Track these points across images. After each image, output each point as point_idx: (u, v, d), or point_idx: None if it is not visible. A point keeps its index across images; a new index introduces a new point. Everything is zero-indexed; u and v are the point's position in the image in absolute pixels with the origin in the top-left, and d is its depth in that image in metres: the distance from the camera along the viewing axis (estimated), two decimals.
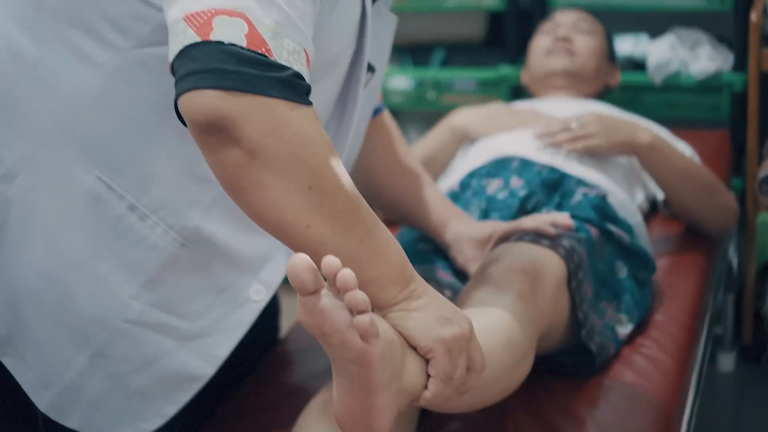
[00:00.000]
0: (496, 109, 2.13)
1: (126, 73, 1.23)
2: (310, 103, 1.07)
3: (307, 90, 1.07)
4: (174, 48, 1.05)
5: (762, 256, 2.60)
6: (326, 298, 1.00)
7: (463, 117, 2.11)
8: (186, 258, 1.31)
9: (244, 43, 1.03)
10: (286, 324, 1.86)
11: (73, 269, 1.28)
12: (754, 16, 2.29)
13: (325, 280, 1.00)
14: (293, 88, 1.05)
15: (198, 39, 1.03)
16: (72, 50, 1.23)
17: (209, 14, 1.04)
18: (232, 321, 1.36)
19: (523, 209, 1.76)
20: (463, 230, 1.65)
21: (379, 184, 1.67)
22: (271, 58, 1.04)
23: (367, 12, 1.27)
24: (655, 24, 2.64)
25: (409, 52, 2.87)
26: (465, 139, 2.10)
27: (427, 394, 1.12)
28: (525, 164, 1.87)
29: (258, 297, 1.37)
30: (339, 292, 1.00)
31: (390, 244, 1.14)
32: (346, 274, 0.99)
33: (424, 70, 2.80)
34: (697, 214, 2.03)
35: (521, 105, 2.19)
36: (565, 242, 1.55)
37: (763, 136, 2.53)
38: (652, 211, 2.13)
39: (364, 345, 1.01)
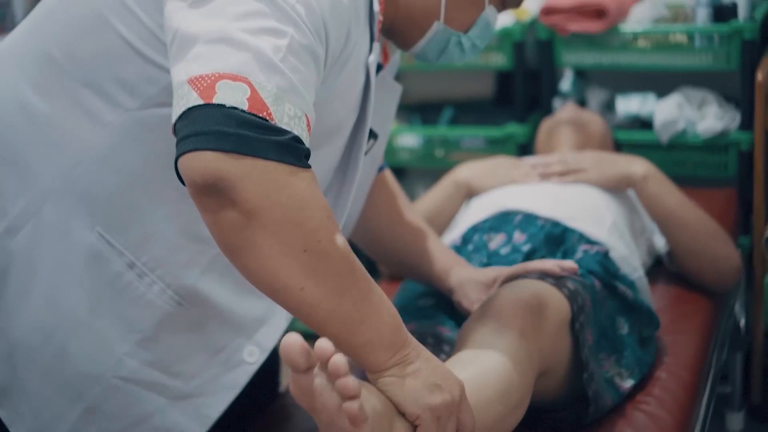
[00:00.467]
0: (500, 162, 2.15)
1: (132, 133, 1.25)
2: (308, 167, 1.09)
3: (307, 154, 1.09)
4: (177, 109, 1.08)
5: None
6: (318, 378, 1.05)
7: (467, 171, 2.13)
8: (182, 317, 1.32)
9: (245, 107, 1.05)
10: (286, 377, 1.85)
11: (70, 325, 1.29)
12: (760, 76, 2.30)
13: None
14: (292, 151, 1.07)
15: (201, 101, 1.05)
16: (81, 109, 1.26)
17: (213, 78, 1.06)
18: (226, 382, 1.36)
19: None
20: (467, 274, 1.66)
21: (383, 240, 1.70)
22: (272, 122, 1.06)
23: (371, 81, 1.30)
24: (662, 83, 2.65)
25: (418, 110, 2.90)
26: (469, 193, 2.12)
27: None
28: (528, 218, 1.87)
29: (252, 359, 1.38)
30: (330, 375, 1.03)
31: (383, 309, 1.15)
32: (338, 361, 1.02)
33: (433, 129, 2.82)
34: (693, 259, 2.02)
35: (527, 159, 2.21)
36: (570, 284, 1.55)
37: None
38: (656, 266, 2.13)
39: (352, 428, 1.04)
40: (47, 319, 1.29)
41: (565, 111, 2.33)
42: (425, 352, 1.18)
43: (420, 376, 1.15)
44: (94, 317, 1.29)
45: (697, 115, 2.53)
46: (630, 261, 1.85)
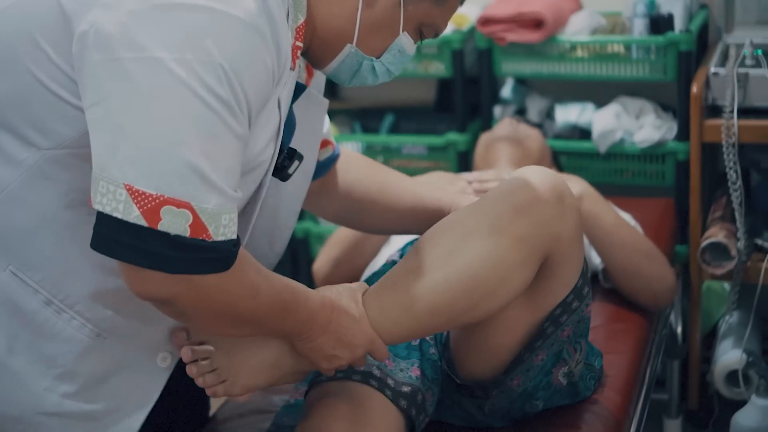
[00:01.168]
0: (436, 178, 2.14)
1: (44, 172, 1.24)
2: (225, 268, 1.21)
3: (235, 253, 1.21)
4: (107, 206, 1.14)
5: (708, 322, 2.62)
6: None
7: None
8: (101, 347, 1.32)
9: (188, 234, 1.15)
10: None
11: None
12: (695, 88, 2.32)
13: None
14: (223, 262, 1.20)
15: (145, 224, 1.14)
16: None
17: (158, 201, 1.13)
18: (143, 392, 1.38)
19: None
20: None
21: (379, 201, 1.71)
22: (209, 241, 1.17)
23: (282, 119, 1.31)
24: (602, 92, 2.67)
25: (359, 116, 2.89)
26: None
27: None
28: None
29: (164, 364, 1.40)
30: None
31: (298, 310, 1.35)
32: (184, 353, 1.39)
33: (374, 136, 2.81)
34: (628, 279, 2.04)
35: (464, 175, 2.21)
36: None
37: (707, 204, 2.57)
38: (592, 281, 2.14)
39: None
40: None
41: (502, 127, 2.33)
42: (331, 326, 1.39)
43: (318, 350, 1.41)
44: (10, 357, 1.28)
45: (635, 124, 2.55)
46: None
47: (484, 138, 2.37)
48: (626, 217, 2.18)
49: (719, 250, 2.34)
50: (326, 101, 1.50)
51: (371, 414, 1.47)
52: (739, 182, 2.29)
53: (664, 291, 2.06)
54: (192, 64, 1.12)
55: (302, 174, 1.47)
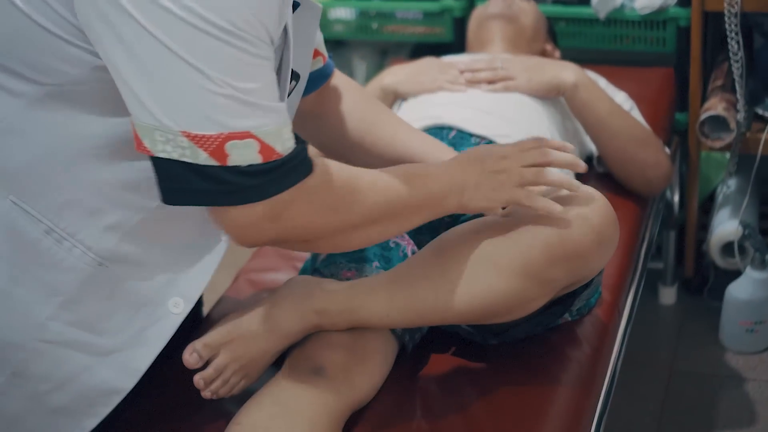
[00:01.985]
0: (426, 66, 2.08)
1: (45, 105, 1.21)
2: (306, 171, 1.21)
3: (309, 161, 1.22)
4: (175, 153, 1.14)
5: (706, 187, 2.60)
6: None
7: (392, 76, 2.08)
8: (104, 276, 1.30)
9: (260, 160, 1.16)
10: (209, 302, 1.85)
11: None
12: None
13: None
14: (295, 169, 1.20)
15: (216, 163, 1.15)
16: None
17: (220, 139, 1.14)
18: (152, 334, 1.36)
19: None
20: None
21: (356, 152, 1.66)
22: (281, 158, 1.18)
23: (290, 39, 1.27)
24: None
25: None
26: (396, 98, 2.07)
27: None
28: (461, 135, 1.83)
29: (177, 310, 1.38)
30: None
31: (428, 184, 1.35)
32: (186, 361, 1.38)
33: (367, 1, 2.73)
34: (623, 166, 2.02)
35: (454, 59, 2.15)
36: None
37: (709, 69, 2.51)
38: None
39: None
40: None
41: (495, 3, 2.25)
42: (459, 167, 1.38)
43: (482, 184, 1.38)
44: (13, 286, 1.27)
45: None
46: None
47: (477, 14, 2.29)
48: (621, 96, 2.14)
49: (718, 123, 2.30)
50: (320, 6, 1.42)
51: (367, 341, 1.46)
52: (741, 53, 2.23)
53: (658, 177, 2.03)
54: (197, 8, 1.10)
55: (296, 93, 1.42)
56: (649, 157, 2.01)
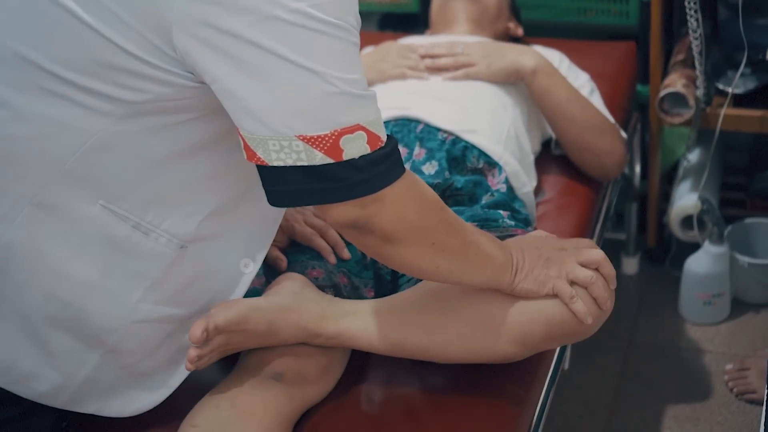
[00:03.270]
0: (386, 51, 2.08)
1: (132, 120, 1.25)
2: (404, 169, 1.27)
3: (398, 150, 1.27)
4: (290, 158, 1.19)
5: (670, 158, 2.63)
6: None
7: None
8: (185, 256, 1.36)
9: (368, 150, 1.21)
10: None
11: (84, 290, 1.32)
12: None
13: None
14: (396, 164, 1.26)
15: (331, 161, 1.19)
16: (75, 105, 1.23)
17: (334, 137, 1.19)
18: (226, 295, 1.44)
19: None
20: None
21: None
22: (383, 146, 1.23)
23: None
24: None
25: None
26: None
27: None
28: (429, 130, 1.85)
29: (248, 270, 1.45)
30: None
31: (493, 247, 1.40)
32: (192, 337, 1.37)
33: None
34: (578, 152, 2.04)
35: (413, 40, 2.16)
36: None
37: (672, 42, 2.52)
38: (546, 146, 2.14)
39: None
40: (62, 291, 1.32)
41: None
42: (517, 247, 1.44)
43: (535, 269, 1.43)
44: (106, 279, 1.32)
45: None
46: (520, 176, 1.86)
47: None
48: (583, 78, 2.14)
49: (678, 98, 2.32)
50: None
51: (328, 351, 1.51)
52: (700, 30, 2.23)
53: (612, 165, 2.06)
54: (305, 10, 1.15)
55: None
56: (605, 146, 2.03)
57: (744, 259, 2.39)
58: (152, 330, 1.39)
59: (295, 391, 1.44)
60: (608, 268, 1.46)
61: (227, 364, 1.50)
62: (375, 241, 1.29)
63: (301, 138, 1.18)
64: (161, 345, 1.41)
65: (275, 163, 1.20)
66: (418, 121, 1.87)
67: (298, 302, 1.48)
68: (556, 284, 1.43)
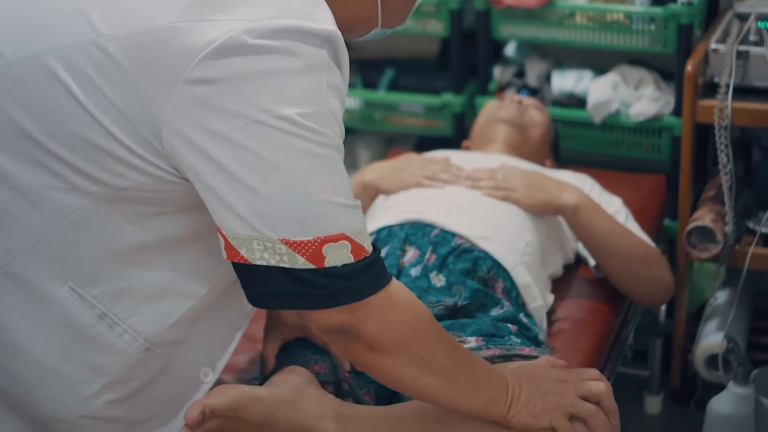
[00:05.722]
0: (407, 162, 2.09)
1: (112, 204, 1.26)
2: (390, 277, 1.27)
3: (382, 260, 1.27)
4: (273, 259, 1.19)
5: (699, 298, 2.58)
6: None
7: (373, 173, 2.09)
8: (150, 360, 1.34)
9: (352, 260, 1.22)
10: None
11: (38, 372, 1.31)
12: (690, 66, 2.24)
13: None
14: (381, 273, 1.26)
15: (312, 266, 1.20)
16: (60, 179, 1.25)
17: (317, 243, 1.19)
18: (183, 403, 1.40)
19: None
20: None
21: None
22: (369, 256, 1.23)
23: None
24: (603, 59, 2.59)
25: (360, 68, 2.84)
26: (377, 194, 2.08)
27: None
28: (443, 236, 1.84)
29: (207, 379, 1.43)
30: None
31: (485, 369, 1.37)
32: (187, 418, 1.33)
33: (372, 93, 2.77)
34: (624, 283, 2.02)
35: (436, 154, 2.17)
36: None
37: (704, 180, 2.50)
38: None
39: None
40: (12, 365, 1.31)
41: (510, 108, 2.24)
42: (515, 378, 1.40)
43: (531, 400, 1.39)
44: (62, 364, 1.31)
45: (633, 95, 2.48)
46: (531, 290, 1.84)
47: (488, 111, 2.30)
48: (617, 204, 2.14)
49: (706, 233, 2.29)
50: None
51: None
52: (730, 165, 2.22)
53: (660, 293, 2.05)
54: (293, 117, 1.17)
55: None
56: (652, 275, 2.01)
57: None
58: (101, 429, 1.35)
59: None
60: (610, 402, 1.42)
61: None
62: (361, 349, 1.27)
63: (284, 242, 1.18)
64: None
65: (259, 262, 1.20)
66: (433, 226, 1.85)
67: (299, 398, 1.45)
68: (554, 418, 1.39)
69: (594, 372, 1.46)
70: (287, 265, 1.19)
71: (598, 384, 1.43)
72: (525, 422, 1.38)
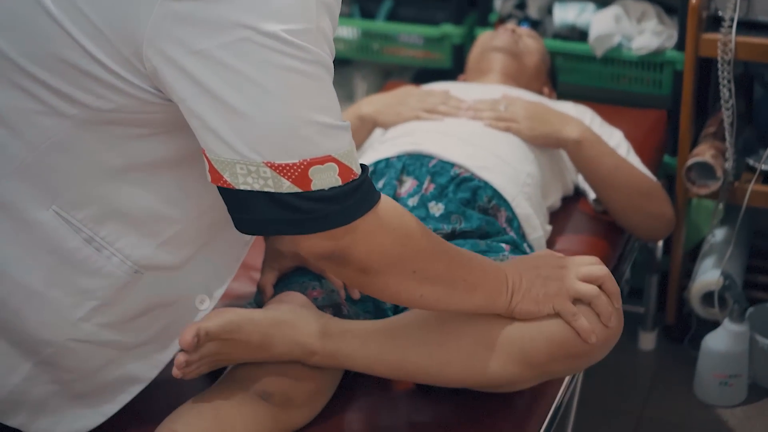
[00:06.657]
0: (405, 95, 2.06)
1: (93, 126, 1.23)
2: (379, 195, 1.24)
3: (371, 180, 1.25)
4: (257, 184, 1.16)
5: (696, 236, 2.56)
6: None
7: (370, 106, 2.06)
8: (139, 282, 1.33)
9: (339, 182, 1.18)
10: None
11: (25, 296, 1.29)
12: None
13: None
14: (369, 194, 1.23)
15: (299, 190, 1.16)
16: (39, 102, 1.22)
17: (303, 166, 1.16)
18: (178, 329, 1.38)
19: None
20: None
21: None
22: (357, 178, 1.20)
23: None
24: None
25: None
26: (374, 127, 2.05)
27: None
28: (442, 165, 1.81)
29: (203, 306, 1.41)
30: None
31: (484, 266, 1.36)
32: (182, 341, 1.33)
33: (370, 23, 2.72)
34: (626, 217, 2.01)
35: (434, 86, 2.13)
36: None
37: (705, 116, 2.47)
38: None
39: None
40: (2, 290, 1.29)
41: (504, 35, 2.21)
42: (514, 268, 1.39)
43: (533, 288, 1.38)
44: (50, 289, 1.29)
45: (635, 29, 2.43)
46: (531, 221, 1.82)
47: (481, 42, 2.27)
48: (617, 137, 2.11)
49: (706, 169, 2.27)
50: None
51: (319, 373, 1.46)
52: (732, 101, 2.19)
53: (662, 227, 2.04)
54: (279, 33, 1.12)
55: None
56: (654, 209, 2.01)
57: (765, 341, 2.30)
58: (92, 352, 1.34)
59: (280, 413, 1.39)
60: (611, 285, 1.41)
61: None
62: (352, 273, 1.26)
63: (269, 165, 1.15)
64: (101, 369, 1.36)
65: (242, 187, 1.17)
66: (431, 157, 1.83)
67: (295, 317, 1.43)
68: (557, 302, 1.38)
69: (593, 258, 1.45)
70: (272, 190, 1.16)
71: (600, 267, 1.42)
72: (528, 310, 1.38)
